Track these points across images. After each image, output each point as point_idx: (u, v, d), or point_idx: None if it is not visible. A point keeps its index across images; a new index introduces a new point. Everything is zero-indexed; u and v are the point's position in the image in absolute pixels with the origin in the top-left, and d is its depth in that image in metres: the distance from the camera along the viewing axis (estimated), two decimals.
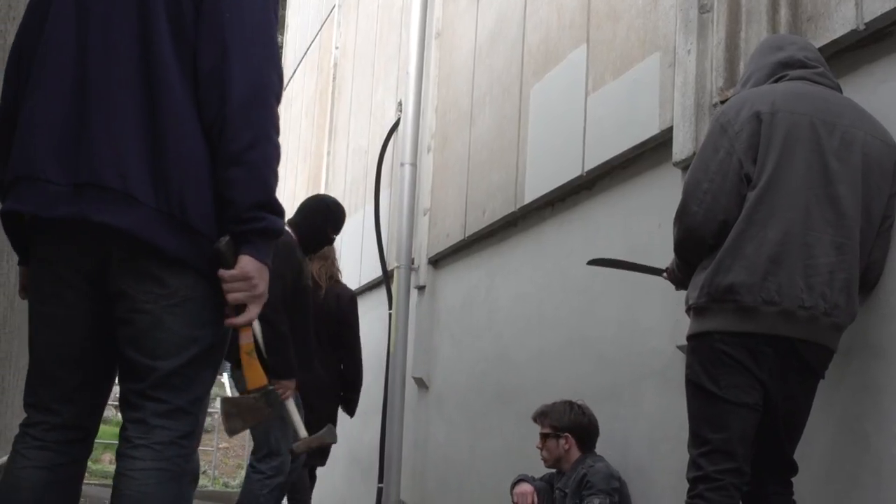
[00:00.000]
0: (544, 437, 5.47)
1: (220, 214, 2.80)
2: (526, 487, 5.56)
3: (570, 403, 5.46)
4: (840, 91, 3.88)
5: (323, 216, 6.83)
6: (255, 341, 2.96)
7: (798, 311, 3.55)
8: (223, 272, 2.79)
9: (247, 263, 2.80)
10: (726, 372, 3.62)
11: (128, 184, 2.73)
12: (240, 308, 2.86)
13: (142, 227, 2.73)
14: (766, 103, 3.69)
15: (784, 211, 3.58)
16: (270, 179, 2.82)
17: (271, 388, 3.08)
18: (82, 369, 2.93)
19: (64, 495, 2.94)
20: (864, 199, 3.65)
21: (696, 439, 3.70)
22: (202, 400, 2.92)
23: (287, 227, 6.23)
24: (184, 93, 2.79)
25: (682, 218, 3.77)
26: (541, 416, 5.52)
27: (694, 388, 3.74)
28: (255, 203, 2.78)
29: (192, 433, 2.89)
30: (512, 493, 5.63)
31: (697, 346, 3.73)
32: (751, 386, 3.61)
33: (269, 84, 2.84)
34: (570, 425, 5.40)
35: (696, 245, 3.76)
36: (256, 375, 3.01)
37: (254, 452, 6.37)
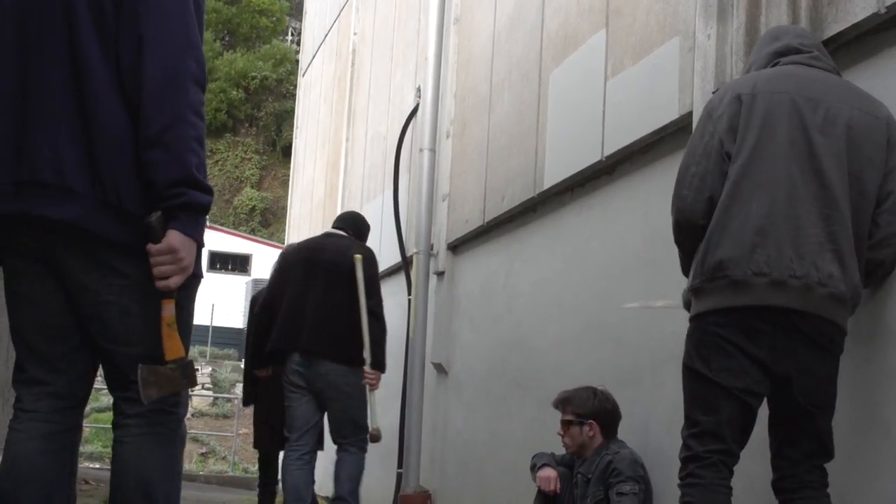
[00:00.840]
0: (567, 423, 5.44)
1: (146, 187, 2.99)
2: (550, 472, 5.55)
3: (593, 390, 5.43)
4: (837, 73, 3.94)
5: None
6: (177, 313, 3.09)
7: (790, 281, 3.58)
8: (150, 246, 2.96)
9: (173, 237, 2.97)
10: (718, 355, 3.68)
11: (65, 178, 2.93)
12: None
13: (83, 217, 2.93)
14: (748, 86, 3.80)
15: (768, 185, 3.65)
16: (189, 157, 2.97)
17: (189, 360, 3.14)
18: (63, 340, 3.10)
19: (59, 463, 3.08)
20: (853, 172, 3.68)
21: (687, 421, 3.78)
22: None
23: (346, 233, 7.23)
24: (111, 86, 2.98)
25: (675, 203, 3.90)
26: (562, 403, 5.49)
27: (687, 371, 3.81)
28: (175, 180, 2.95)
29: (179, 400, 3.14)
30: (535, 477, 5.62)
31: (693, 329, 3.79)
32: (743, 370, 3.66)
33: (184, 69, 2.99)
34: (595, 412, 5.37)
35: (690, 227, 3.85)
36: (175, 346, 3.08)
37: (338, 430, 7.05)
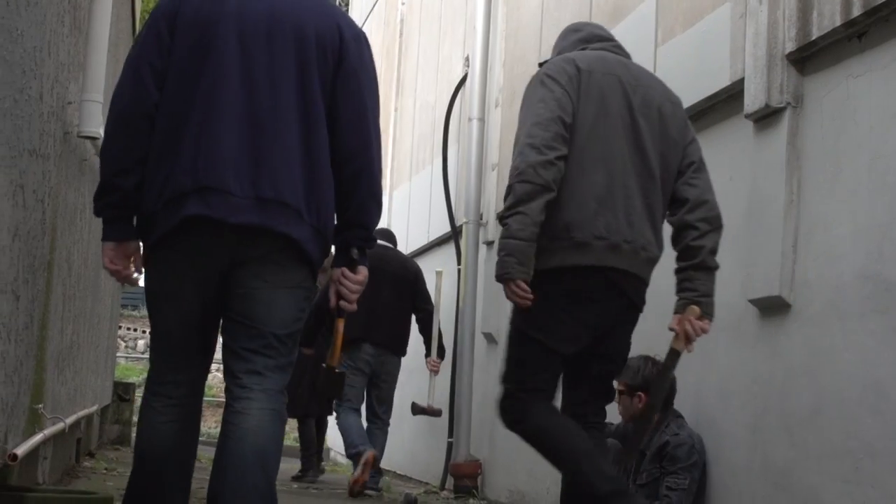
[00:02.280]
0: (619, 392, 5.42)
1: (341, 234, 3.63)
2: None
3: (646, 359, 5.38)
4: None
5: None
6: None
7: (623, 245, 4.10)
8: (347, 273, 3.65)
9: (363, 272, 3.67)
10: (555, 323, 4.14)
11: (299, 204, 3.44)
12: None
13: (306, 239, 3.46)
14: (584, 62, 4.24)
15: (606, 159, 4.11)
16: (378, 216, 3.71)
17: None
18: (202, 335, 3.57)
19: (191, 440, 3.61)
20: (661, 152, 4.23)
21: (514, 375, 4.29)
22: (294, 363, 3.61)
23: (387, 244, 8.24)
24: (325, 132, 3.52)
25: (526, 165, 4.07)
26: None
27: (516, 333, 4.28)
28: (374, 232, 3.69)
29: (286, 387, 3.58)
30: None
31: (536, 284, 4.06)
32: (576, 336, 4.17)
33: (379, 141, 3.67)
34: (644, 384, 5.33)
35: (544, 189, 4.04)
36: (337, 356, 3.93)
37: (380, 407, 8.43)
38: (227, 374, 3.53)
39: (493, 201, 9.02)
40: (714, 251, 4.29)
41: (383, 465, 9.64)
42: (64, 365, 5.56)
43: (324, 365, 4.07)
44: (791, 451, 4.63)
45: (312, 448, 9.73)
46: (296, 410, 9.16)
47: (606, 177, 4.08)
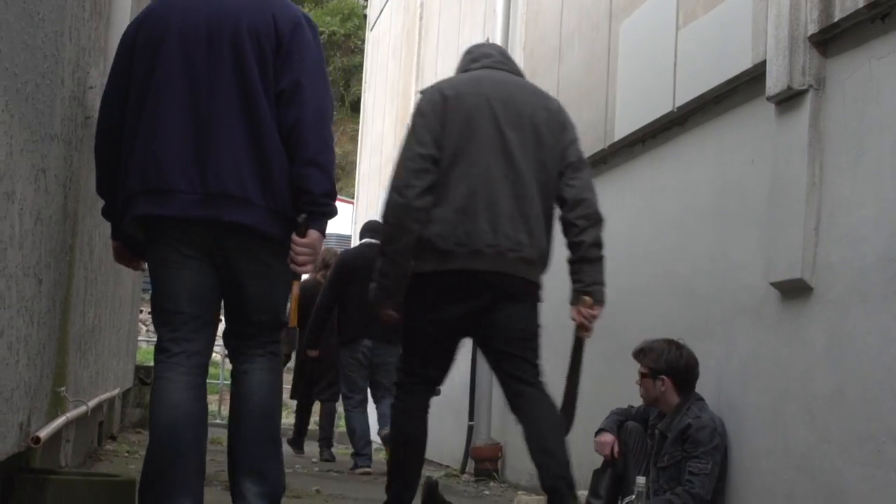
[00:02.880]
0: (642, 375, 5.43)
1: (296, 201, 3.88)
2: (607, 437, 5.55)
3: (670, 343, 5.37)
4: (521, 76, 5.00)
5: None
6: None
7: (485, 249, 4.53)
8: (296, 239, 3.87)
9: (314, 235, 3.90)
10: (431, 310, 4.65)
11: (247, 191, 3.81)
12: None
13: (260, 222, 3.83)
14: (452, 88, 4.73)
15: (469, 175, 4.56)
16: (333, 176, 3.95)
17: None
18: (208, 309, 3.97)
19: (202, 406, 3.95)
20: (539, 158, 4.65)
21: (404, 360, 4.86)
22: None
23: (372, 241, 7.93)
24: (271, 118, 3.85)
25: (384, 210, 4.68)
26: (640, 354, 5.47)
27: (407, 319, 4.76)
28: (325, 192, 3.88)
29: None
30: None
31: (414, 286, 4.63)
32: (453, 310, 4.63)
33: (327, 107, 3.97)
34: (666, 368, 5.32)
35: (403, 231, 4.60)
36: (294, 317, 4.52)
37: (379, 391, 8.82)
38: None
39: None
40: (595, 244, 4.71)
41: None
42: (86, 348, 5.59)
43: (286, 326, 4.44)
44: (813, 434, 4.61)
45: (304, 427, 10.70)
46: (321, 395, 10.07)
47: (468, 190, 4.54)
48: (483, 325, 4.70)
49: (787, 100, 4.89)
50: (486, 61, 4.89)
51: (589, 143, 7.27)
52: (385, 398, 8.77)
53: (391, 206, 4.59)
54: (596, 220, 4.72)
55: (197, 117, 3.83)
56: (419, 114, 4.69)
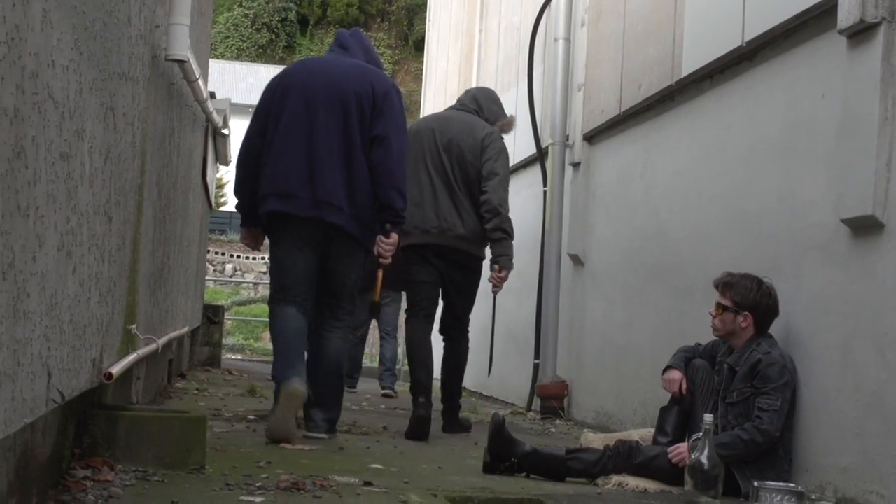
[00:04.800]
0: (722, 307, 5.33)
1: (379, 215, 5.83)
2: (674, 374, 5.50)
3: (758, 281, 5.29)
4: (478, 112, 7.16)
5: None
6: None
7: (431, 229, 6.80)
8: (383, 239, 5.86)
9: (395, 237, 5.90)
10: (414, 264, 6.86)
11: (341, 202, 5.66)
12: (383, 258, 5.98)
13: (346, 223, 5.68)
14: (422, 123, 7.22)
15: (422, 185, 6.82)
16: (406, 197, 5.92)
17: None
18: (312, 281, 5.82)
19: (301, 325, 5.76)
20: (462, 172, 6.86)
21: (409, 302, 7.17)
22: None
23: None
24: (362, 153, 5.74)
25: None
26: (724, 286, 5.36)
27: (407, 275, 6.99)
28: (403, 208, 5.85)
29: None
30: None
31: (402, 254, 6.55)
32: (429, 272, 6.89)
33: (406, 151, 5.95)
34: (753, 305, 5.25)
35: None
36: (377, 293, 6.44)
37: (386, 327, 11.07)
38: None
39: (580, 122, 8.96)
40: (496, 229, 6.77)
41: (472, 387, 10.89)
42: (155, 287, 5.65)
43: (373, 301, 7.04)
44: (883, 372, 4.57)
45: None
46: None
47: (419, 190, 6.79)
48: (444, 278, 6.95)
49: (859, 33, 4.80)
50: (455, 104, 7.40)
51: (655, 79, 7.21)
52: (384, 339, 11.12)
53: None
54: (496, 214, 6.77)
55: (310, 150, 5.68)
56: (412, 136, 6.78)
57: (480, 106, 7.17)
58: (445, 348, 7.03)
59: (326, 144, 5.66)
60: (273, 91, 5.86)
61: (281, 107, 5.74)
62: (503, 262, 6.79)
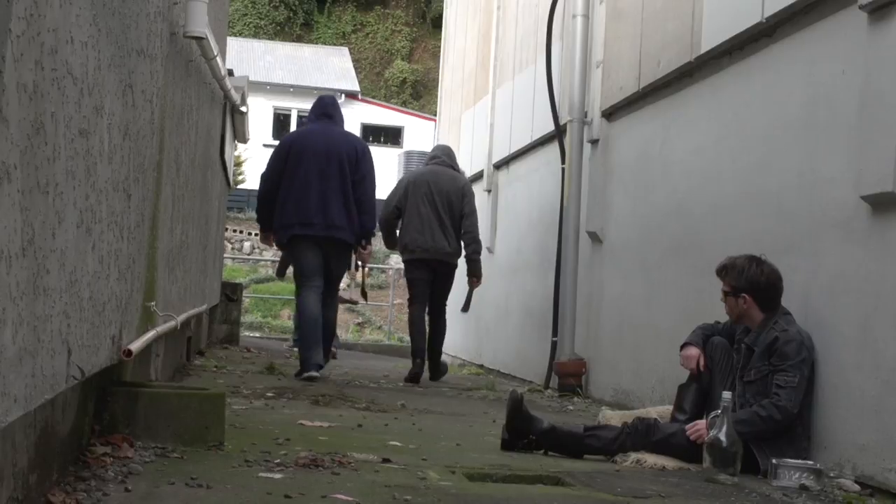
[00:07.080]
0: (725, 293, 5.36)
1: (360, 235, 8.72)
2: (692, 351, 5.50)
3: (751, 260, 5.29)
4: (453, 166, 9.91)
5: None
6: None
7: (428, 248, 9.47)
8: (362, 250, 8.87)
9: (370, 248, 9.00)
10: (412, 269, 9.72)
11: (342, 224, 8.52)
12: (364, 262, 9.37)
13: (347, 237, 8.61)
14: (413, 176, 9.97)
15: (420, 217, 9.48)
16: (375, 224, 9.02)
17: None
18: (322, 271, 8.62)
19: (319, 308, 8.51)
20: (448, 209, 9.53)
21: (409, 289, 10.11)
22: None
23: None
24: (350, 192, 8.57)
25: (381, 222, 9.88)
26: (722, 272, 5.38)
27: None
28: (373, 227, 8.88)
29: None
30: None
31: (405, 264, 9.86)
32: (425, 275, 9.59)
33: (374, 189, 8.77)
34: (747, 286, 5.25)
35: (389, 227, 9.93)
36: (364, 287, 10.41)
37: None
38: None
39: (598, 99, 8.93)
40: (474, 251, 9.67)
41: (489, 364, 11.72)
42: (174, 264, 5.66)
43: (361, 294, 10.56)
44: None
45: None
46: None
47: (420, 221, 9.49)
48: (434, 280, 9.67)
49: (880, 8, 4.77)
50: (436, 160, 9.93)
51: (674, 55, 7.18)
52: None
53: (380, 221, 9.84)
54: (475, 241, 9.67)
55: (321, 190, 8.43)
56: (397, 187, 9.90)
57: (453, 161, 10.03)
58: (430, 324, 9.85)
59: (331, 187, 8.48)
60: (288, 149, 8.59)
61: (297, 161, 8.48)
62: (478, 274, 9.84)
